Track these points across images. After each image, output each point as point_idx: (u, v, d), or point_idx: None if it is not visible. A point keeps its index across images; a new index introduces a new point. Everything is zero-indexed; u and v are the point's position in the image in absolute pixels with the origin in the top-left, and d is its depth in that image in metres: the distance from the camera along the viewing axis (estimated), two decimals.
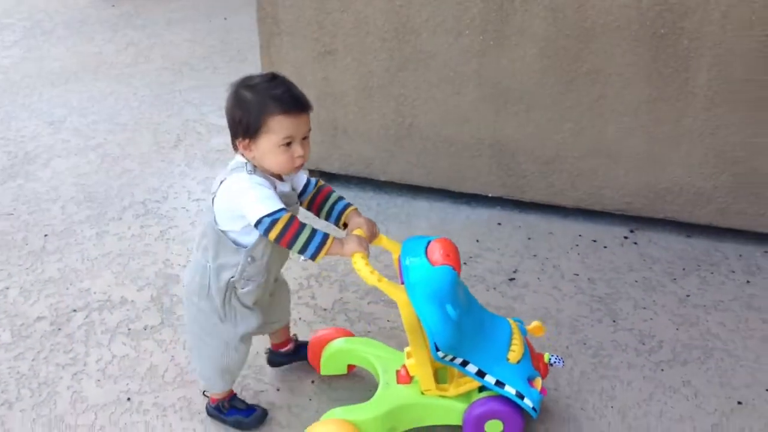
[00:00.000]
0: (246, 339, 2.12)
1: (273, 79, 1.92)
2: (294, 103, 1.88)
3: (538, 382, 2.05)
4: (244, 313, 2.07)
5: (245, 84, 1.93)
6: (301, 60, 3.22)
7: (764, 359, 2.45)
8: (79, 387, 2.35)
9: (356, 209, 2.10)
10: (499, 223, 3.16)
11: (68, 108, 4.35)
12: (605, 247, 3.02)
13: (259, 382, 2.37)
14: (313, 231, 1.90)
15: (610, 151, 3.00)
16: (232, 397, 2.23)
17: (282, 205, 1.87)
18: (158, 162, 3.71)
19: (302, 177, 2.10)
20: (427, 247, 2.00)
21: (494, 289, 2.77)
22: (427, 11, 2.97)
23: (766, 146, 2.83)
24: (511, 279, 2.83)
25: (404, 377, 2.13)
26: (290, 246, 1.89)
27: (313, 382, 2.36)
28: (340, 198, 2.11)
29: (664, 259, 2.95)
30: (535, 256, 2.96)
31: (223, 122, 4.31)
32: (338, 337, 2.35)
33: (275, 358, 2.42)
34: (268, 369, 2.42)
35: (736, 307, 2.69)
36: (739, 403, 2.28)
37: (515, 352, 2.05)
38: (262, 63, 3.29)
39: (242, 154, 1.95)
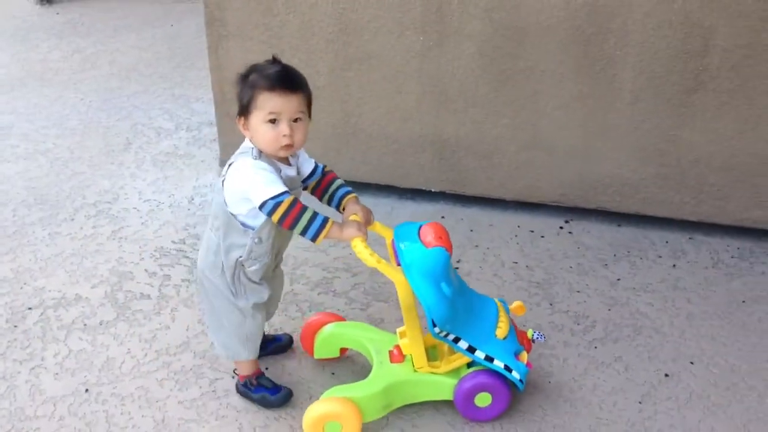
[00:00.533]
0: (259, 308, 2.23)
1: (273, 62, 2.06)
2: (282, 81, 1.99)
3: (524, 356, 2.21)
4: (253, 287, 2.18)
5: (251, 68, 2.06)
6: (249, 62, 3.25)
7: (689, 335, 2.63)
8: (37, 381, 2.41)
9: (356, 197, 2.21)
10: (443, 217, 3.30)
11: (15, 114, 4.38)
12: (542, 236, 3.19)
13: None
14: (314, 214, 2.01)
15: (544, 145, 3.17)
16: (259, 375, 2.34)
17: (285, 189, 1.98)
18: (108, 165, 3.77)
19: (310, 163, 2.22)
20: (419, 231, 2.13)
21: None
22: (369, 13, 3.10)
23: (688, 139, 3.03)
24: (456, 268, 2.97)
25: (397, 356, 2.27)
26: (292, 227, 2.00)
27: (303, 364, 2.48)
28: (342, 185, 2.23)
29: (597, 246, 3.13)
30: (477, 246, 3.11)
31: (171, 125, 4.41)
32: (330, 321, 2.46)
33: None
34: (275, 360, 2.51)
35: (663, 288, 2.88)
36: (666, 375, 2.45)
37: (502, 329, 2.20)
38: (210, 65, 3.39)
39: (246, 134, 2.08)
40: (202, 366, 2.48)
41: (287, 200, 1.96)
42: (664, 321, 2.70)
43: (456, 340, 2.13)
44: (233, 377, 2.40)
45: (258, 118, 2.00)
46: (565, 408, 2.31)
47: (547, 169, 3.22)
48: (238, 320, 2.21)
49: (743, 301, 2.80)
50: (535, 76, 3.05)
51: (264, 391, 2.33)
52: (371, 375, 2.24)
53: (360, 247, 2.03)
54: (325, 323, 2.45)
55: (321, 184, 2.22)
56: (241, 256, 2.11)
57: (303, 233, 2.00)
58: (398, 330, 2.31)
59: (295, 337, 2.56)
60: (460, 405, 2.21)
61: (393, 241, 2.16)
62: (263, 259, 2.13)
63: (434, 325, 2.07)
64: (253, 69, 2.04)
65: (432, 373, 2.23)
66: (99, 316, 2.70)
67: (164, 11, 6.25)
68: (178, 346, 2.56)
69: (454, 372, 2.23)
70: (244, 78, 2.04)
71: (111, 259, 3.02)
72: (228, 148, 3.54)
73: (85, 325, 2.66)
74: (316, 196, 2.25)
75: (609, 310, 2.75)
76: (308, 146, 3.55)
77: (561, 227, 3.25)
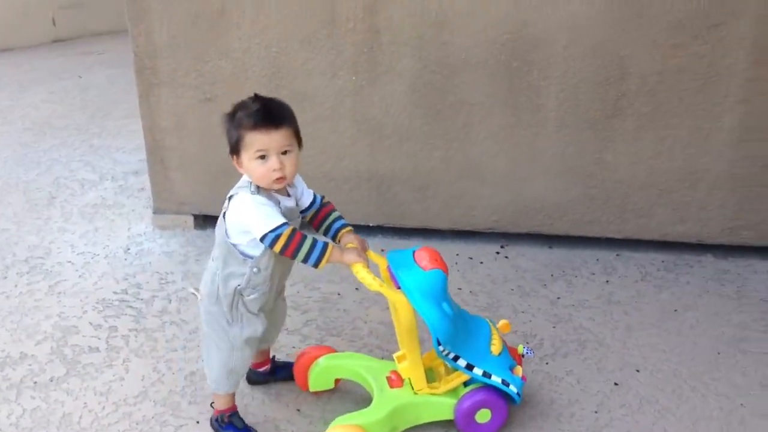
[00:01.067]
0: (250, 342, 2.25)
1: (255, 99, 2.09)
2: (264, 118, 2.03)
3: (519, 370, 2.31)
4: (250, 318, 2.21)
5: (236, 106, 2.10)
6: (182, 108, 3.33)
7: (630, 345, 2.77)
8: None
9: (351, 229, 2.28)
10: (383, 249, 3.37)
11: None
12: (481, 262, 3.30)
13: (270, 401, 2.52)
14: (314, 241, 2.07)
15: (477, 174, 3.30)
16: (232, 413, 2.35)
17: (284, 220, 2.04)
18: (34, 220, 3.67)
19: (309, 194, 2.28)
20: (413, 256, 2.20)
21: (387, 309, 2.97)
22: (302, 56, 3.17)
23: (610, 161, 3.21)
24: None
25: (396, 381, 2.34)
26: (294, 256, 2.05)
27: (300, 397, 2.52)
28: (339, 217, 2.30)
29: (533, 268, 3.26)
30: None
31: (95, 176, 4.34)
32: (322, 354, 2.49)
33: (254, 376, 2.56)
34: (279, 388, 2.55)
35: (600, 303, 3.03)
36: (616, 384, 2.58)
37: (496, 346, 2.30)
38: (142, 113, 3.37)
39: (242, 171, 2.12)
40: (164, 414, 2.45)
41: (287, 232, 2.03)
42: (606, 334, 2.84)
43: (455, 358, 2.23)
44: (211, 406, 2.39)
45: (248, 156, 2.05)
46: (525, 422, 2.40)
47: (480, 197, 3.34)
48: (226, 351, 2.24)
49: (675, 310, 2.98)
50: (465, 109, 3.19)
51: (233, 429, 2.33)
52: (374, 402, 2.30)
53: (363, 273, 2.11)
54: (318, 356, 2.48)
55: (319, 214, 2.29)
56: (239, 285, 2.15)
57: (305, 260, 2.06)
58: (395, 355, 2.37)
59: None
60: (461, 423, 2.30)
61: (388, 267, 2.23)
62: (262, 288, 2.17)
63: (439, 344, 2.16)
64: (238, 107, 2.08)
65: (432, 394, 2.30)
66: (48, 372, 2.63)
67: (71, 63, 6.15)
68: (135, 396, 2.52)
69: (452, 392, 2.31)
70: (231, 117, 2.08)
71: (52, 314, 2.94)
72: (162, 194, 3.53)
73: (35, 383, 2.58)
74: (313, 225, 2.31)
75: (554, 327, 2.88)
76: None
77: (497, 252, 3.38)
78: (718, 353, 2.73)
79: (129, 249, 3.41)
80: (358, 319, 2.92)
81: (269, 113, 2.06)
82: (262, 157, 2.04)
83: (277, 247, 2.04)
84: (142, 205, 3.81)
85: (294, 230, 2.06)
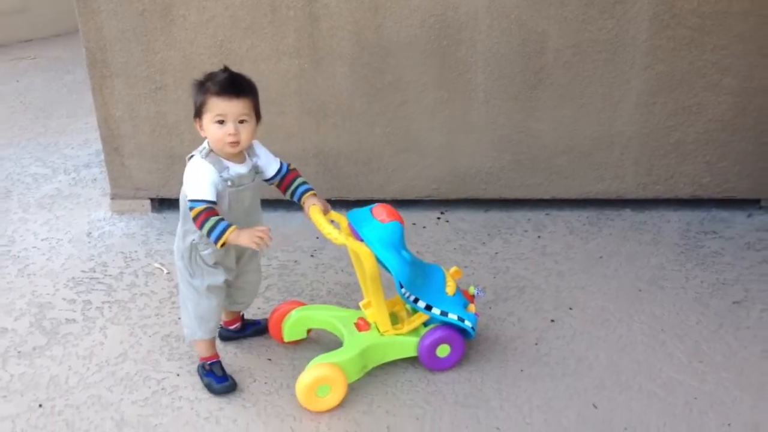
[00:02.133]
0: (213, 290, 2.48)
1: (224, 70, 2.33)
2: (228, 87, 2.26)
3: (472, 308, 2.61)
4: (209, 270, 2.44)
5: (206, 76, 2.33)
6: (134, 98, 3.52)
7: (562, 288, 3.10)
8: None
9: (314, 193, 2.52)
10: (332, 221, 3.62)
11: None
12: (424, 227, 3.59)
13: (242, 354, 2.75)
14: (218, 221, 2.28)
15: (416, 146, 3.58)
16: (213, 361, 2.57)
17: (207, 197, 2.27)
18: None
19: (276, 162, 2.51)
20: (371, 212, 2.48)
21: (342, 270, 3.23)
22: (247, 43, 3.40)
23: (535, 129, 3.54)
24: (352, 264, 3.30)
25: (363, 326, 2.61)
26: (200, 228, 2.29)
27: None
28: (303, 182, 2.54)
29: (472, 230, 3.57)
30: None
31: (47, 171, 4.48)
32: (294, 307, 2.73)
33: (225, 333, 2.78)
34: (250, 342, 2.79)
35: (534, 255, 3.35)
36: (552, 320, 2.90)
37: (450, 288, 2.58)
38: (96, 104, 3.54)
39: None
40: (145, 370, 2.65)
41: (200, 207, 2.27)
42: (541, 280, 3.16)
43: (416, 300, 2.50)
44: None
45: (208, 119, 2.28)
46: (476, 357, 2.69)
47: (420, 168, 3.63)
48: (194, 300, 2.48)
49: (600, 257, 3.32)
50: (402, 86, 3.47)
51: (212, 377, 2.56)
52: (345, 343, 2.55)
53: (324, 225, 2.39)
54: (290, 310, 2.73)
55: (284, 180, 2.53)
56: (194, 240, 2.39)
57: (208, 235, 2.29)
58: (361, 303, 2.65)
59: None
60: (425, 358, 2.58)
61: (349, 224, 2.49)
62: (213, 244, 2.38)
63: (401, 287, 2.43)
64: (207, 77, 2.32)
65: (396, 334, 2.58)
66: (30, 343, 2.80)
67: (6, 69, 6.20)
68: (116, 357, 2.72)
69: (414, 332, 2.60)
70: (200, 85, 2.31)
71: (25, 293, 3.10)
72: (119, 181, 3.70)
73: (18, 352, 2.75)
74: (280, 190, 2.55)
75: (494, 277, 3.18)
76: None
77: (438, 217, 3.67)
78: (639, 290, 3.08)
79: (91, 233, 3.57)
80: (316, 281, 3.17)
81: (233, 83, 2.29)
82: (221, 122, 2.28)
83: (192, 214, 2.29)
84: (98, 194, 3.97)
85: (206, 208, 2.27)
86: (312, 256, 3.35)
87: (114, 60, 3.46)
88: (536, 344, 2.76)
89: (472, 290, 2.70)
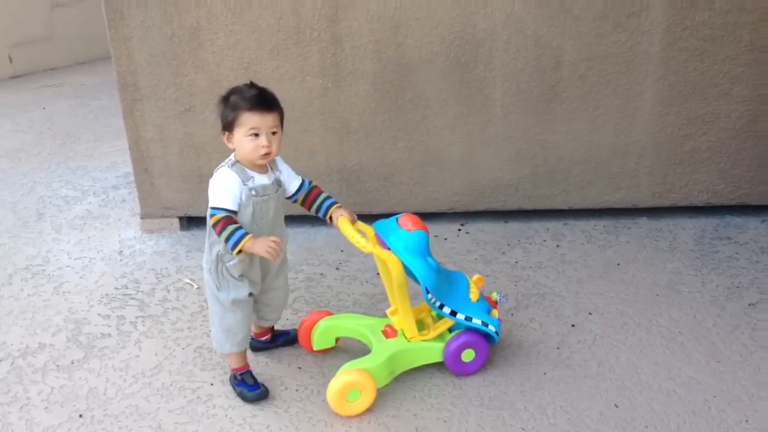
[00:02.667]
0: (238, 304, 2.56)
1: (251, 86, 2.45)
2: (260, 102, 2.40)
3: (495, 313, 2.69)
4: (235, 283, 2.53)
5: (229, 93, 2.45)
6: (163, 119, 3.65)
7: (582, 294, 3.18)
8: (29, 416, 2.59)
9: (340, 204, 2.63)
10: (359, 231, 3.72)
11: None
12: (445, 239, 3.68)
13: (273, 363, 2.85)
14: (235, 229, 2.39)
15: (436, 161, 3.68)
16: (244, 371, 2.67)
17: (226, 205, 2.39)
18: (27, 234, 3.93)
19: (297, 179, 2.63)
20: (398, 222, 2.57)
21: (367, 282, 3.33)
22: (272, 64, 3.53)
23: (552, 141, 3.64)
24: (378, 274, 3.40)
25: (391, 333, 2.70)
26: (219, 234, 2.41)
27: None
28: (328, 197, 2.64)
29: (492, 240, 3.66)
30: None
31: (77, 193, 4.62)
32: (322, 317, 2.83)
33: (257, 344, 2.88)
34: (280, 352, 2.89)
35: (553, 264, 3.44)
36: (573, 326, 2.98)
37: (474, 294, 2.67)
38: (126, 127, 3.68)
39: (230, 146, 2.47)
40: (180, 380, 2.75)
41: (220, 215, 2.40)
42: (561, 287, 3.24)
43: (441, 306, 2.59)
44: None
45: (241, 133, 2.40)
46: (500, 362, 2.77)
47: (440, 182, 3.73)
48: (220, 313, 2.57)
49: (618, 264, 3.40)
50: (422, 102, 3.58)
51: (243, 386, 2.66)
52: (373, 350, 2.65)
53: (353, 234, 2.50)
54: (319, 319, 2.83)
55: (309, 197, 2.64)
56: (219, 251, 2.48)
57: (226, 242, 2.41)
58: (387, 311, 2.74)
59: None
60: (450, 363, 2.67)
61: (376, 234, 2.59)
62: (241, 256, 2.47)
63: (428, 292, 2.52)
64: (233, 92, 2.44)
65: (423, 340, 2.67)
66: (68, 357, 2.91)
67: (33, 96, 6.39)
68: (152, 369, 2.82)
69: (440, 337, 2.69)
70: (225, 99, 2.44)
71: (62, 310, 3.22)
72: (149, 200, 3.82)
73: (57, 366, 2.86)
74: (305, 207, 2.65)
75: (515, 285, 3.27)
76: None
77: (459, 229, 3.77)
78: (657, 295, 3.16)
79: (122, 251, 3.70)
80: (342, 292, 3.27)
81: (264, 98, 2.43)
82: (255, 135, 2.40)
83: (212, 222, 2.42)
84: (127, 214, 4.10)
85: (225, 216, 2.40)
86: (337, 269, 3.46)
87: (144, 83, 3.59)
88: (558, 348, 2.84)
89: (494, 296, 2.79)
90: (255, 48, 3.52)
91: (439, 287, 2.58)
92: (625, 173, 3.69)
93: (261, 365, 2.81)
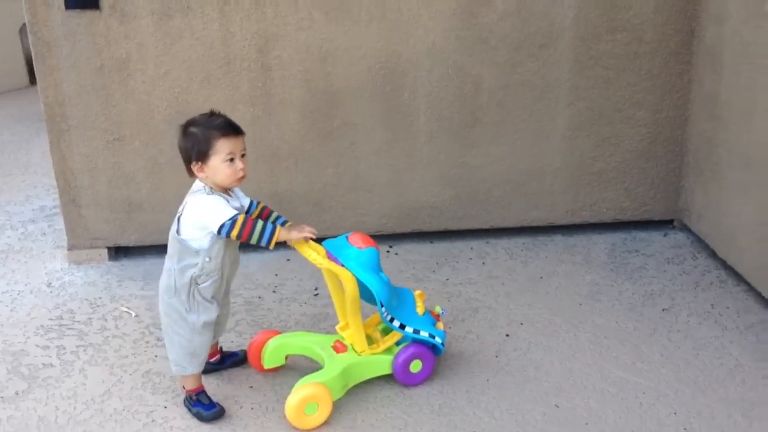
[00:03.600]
0: (207, 326, 2.62)
1: (211, 114, 2.53)
2: (231, 128, 2.50)
3: (440, 325, 2.84)
4: (205, 305, 2.59)
5: (190, 123, 2.52)
6: (92, 149, 3.63)
7: (512, 306, 3.37)
8: None
9: (292, 224, 2.73)
10: (288, 259, 3.81)
11: None
12: None
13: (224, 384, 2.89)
14: (264, 224, 2.53)
15: (364, 185, 3.82)
16: (200, 392, 2.69)
17: (236, 212, 2.48)
18: None
19: (247, 199, 2.71)
20: (348, 240, 2.69)
21: (305, 303, 3.42)
22: (203, 94, 3.59)
23: (473, 164, 3.85)
24: (315, 294, 3.49)
25: (341, 348, 2.79)
26: (249, 238, 2.49)
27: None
28: (278, 216, 2.75)
29: (421, 260, 3.82)
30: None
31: None
32: (271, 336, 2.89)
33: (206, 366, 2.82)
34: (230, 372, 2.94)
35: (482, 279, 3.62)
36: (507, 335, 3.16)
37: (420, 308, 2.81)
38: (53, 157, 3.64)
39: (197, 177, 2.52)
40: (132, 405, 2.75)
41: (240, 218, 2.47)
42: (491, 301, 3.43)
43: (391, 319, 2.72)
44: (183, 388, 2.75)
45: (218, 159, 2.48)
46: (445, 372, 2.91)
47: (368, 205, 3.87)
48: (187, 336, 2.60)
49: (541, 278, 3.62)
50: (350, 129, 3.72)
51: (200, 406, 2.69)
52: (326, 365, 2.72)
53: (308, 251, 2.60)
54: (268, 339, 2.89)
55: (261, 215, 2.73)
56: (194, 273, 2.53)
57: (259, 240, 2.49)
58: (337, 327, 2.86)
59: None
60: (399, 374, 2.79)
61: (327, 252, 2.69)
62: (213, 275, 2.56)
63: (382, 306, 2.64)
64: (197, 122, 2.52)
65: (372, 353, 2.78)
66: (11, 388, 2.85)
67: None
68: (101, 395, 2.81)
69: (388, 350, 2.81)
70: (190, 131, 2.50)
71: None
72: (75, 231, 3.78)
73: (1, 397, 2.80)
74: None
75: (449, 301, 3.43)
76: (155, 219, 3.89)
77: (387, 251, 3.91)
78: (580, 304, 3.39)
79: (51, 283, 3.64)
80: (282, 314, 3.34)
81: (232, 124, 2.53)
82: (231, 159, 2.49)
83: (234, 233, 2.47)
84: (51, 246, 4.03)
85: (246, 217, 2.51)
86: (274, 291, 3.53)
87: (72, 114, 3.57)
88: (496, 356, 3.01)
89: (437, 310, 2.94)
90: (185, 78, 3.58)
91: (390, 301, 2.72)
92: (541, 193, 3.93)
93: (212, 386, 2.83)
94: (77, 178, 3.69)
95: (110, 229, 3.80)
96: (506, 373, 2.91)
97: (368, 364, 2.80)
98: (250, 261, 3.79)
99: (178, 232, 2.55)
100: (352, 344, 2.81)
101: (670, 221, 4.11)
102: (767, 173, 3.16)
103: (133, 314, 3.35)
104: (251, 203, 2.74)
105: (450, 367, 2.94)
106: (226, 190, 2.59)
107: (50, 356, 3.06)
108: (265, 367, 2.89)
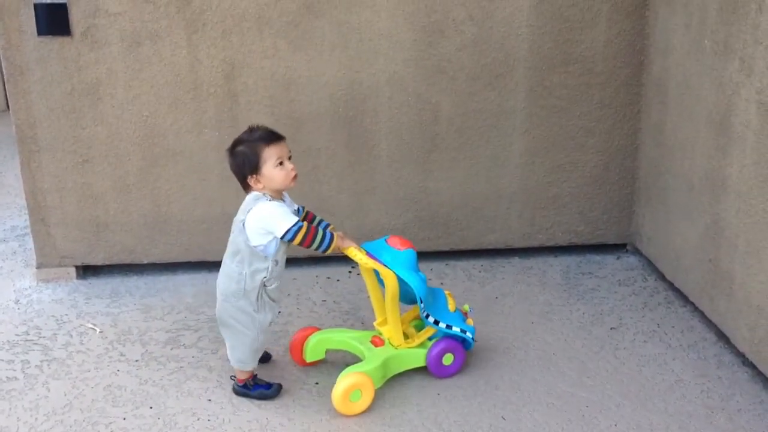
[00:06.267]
0: (271, 325, 2.92)
1: (251, 130, 2.78)
2: (273, 135, 2.77)
3: (470, 321, 3.07)
4: (271, 304, 2.88)
5: (235, 144, 2.78)
6: (61, 170, 3.74)
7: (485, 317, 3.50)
8: None
9: (334, 227, 2.99)
10: None
11: None
12: (338, 280, 3.93)
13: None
14: (324, 233, 2.81)
15: (326, 208, 3.94)
16: (254, 377, 2.96)
17: (297, 218, 2.72)
18: None
19: (294, 204, 2.92)
20: (387, 242, 2.92)
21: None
22: (171, 117, 3.72)
23: (433, 188, 3.99)
24: (279, 312, 3.59)
25: (379, 342, 3.05)
26: (311, 244, 2.77)
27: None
28: (322, 220, 3.02)
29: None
30: (289, 295, 3.76)
31: None
32: (312, 332, 3.12)
33: None
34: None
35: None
36: None
37: (451, 305, 3.04)
38: (23, 178, 3.74)
39: (254, 189, 2.78)
40: (93, 417, 2.84)
41: (303, 226, 2.73)
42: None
43: (427, 315, 2.93)
44: (232, 378, 3.00)
45: (270, 166, 2.72)
46: (396, 386, 3.02)
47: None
48: (253, 335, 2.86)
49: (496, 298, 3.75)
50: (313, 153, 3.85)
51: (261, 388, 2.96)
52: (367, 358, 2.97)
53: (359, 255, 2.85)
54: (310, 334, 3.13)
55: (306, 218, 2.97)
56: (265, 277, 2.78)
57: (318, 247, 2.78)
58: (375, 323, 3.10)
59: None
60: (433, 366, 3.04)
61: (368, 253, 2.90)
62: (279, 278, 2.87)
63: (421, 302, 2.87)
64: (242, 141, 2.78)
65: (408, 347, 3.02)
66: None
67: None
68: (63, 407, 2.89)
69: (422, 345, 3.06)
70: (238, 150, 2.76)
71: None
72: (45, 250, 3.87)
73: None
74: None
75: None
76: (122, 239, 3.98)
77: (349, 271, 4.02)
78: (532, 323, 3.52)
79: (19, 300, 3.72)
80: None
81: (272, 131, 2.80)
82: (281, 163, 2.72)
83: (298, 239, 2.73)
84: (20, 265, 4.11)
85: (308, 225, 2.76)
86: None
87: (42, 136, 3.69)
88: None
89: (466, 308, 3.17)
90: (154, 102, 3.70)
91: (427, 299, 2.94)
92: (498, 217, 4.08)
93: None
94: (47, 198, 3.79)
95: (78, 248, 3.90)
96: (457, 387, 3.02)
97: (405, 357, 3.03)
98: (215, 279, 3.87)
99: (248, 239, 2.75)
100: (389, 339, 3.03)
101: (623, 245, 4.26)
102: (707, 199, 3.32)
103: (98, 330, 3.44)
104: (299, 209, 2.97)
105: (402, 381, 3.05)
106: (280, 196, 2.83)
107: (14, 370, 3.14)
108: (307, 360, 3.12)
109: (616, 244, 4.25)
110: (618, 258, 4.20)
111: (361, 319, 3.54)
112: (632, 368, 3.16)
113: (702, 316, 3.50)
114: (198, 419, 2.83)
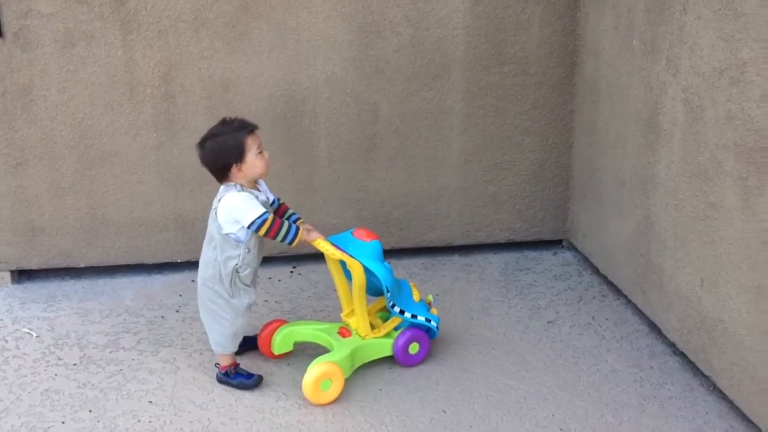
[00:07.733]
0: (248, 309, 3.01)
1: (225, 122, 2.88)
2: (252, 125, 2.90)
3: (434, 311, 3.16)
4: (246, 289, 2.97)
5: (208, 137, 2.85)
6: None
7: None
8: None
9: (304, 220, 3.11)
10: (193, 280, 3.87)
11: None
12: (279, 280, 3.94)
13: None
14: (290, 225, 2.90)
15: None
16: (236, 365, 3.04)
17: (264, 210, 2.76)
18: None
19: (271, 194, 2.98)
20: (353, 234, 2.99)
21: None
22: (106, 119, 3.68)
23: (373, 187, 4.02)
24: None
25: (346, 333, 3.13)
26: (276, 236, 2.86)
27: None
28: (293, 213, 3.13)
29: (323, 279, 3.93)
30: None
31: None
32: (281, 324, 3.18)
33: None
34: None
35: None
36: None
37: (416, 295, 3.11)
38: None
39: (233, 180, 2.86)
40: (30, 422, 2.80)
41: (269, 218, 2.78)
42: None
43: (393, 305, 3.00)
44: (216, 366, 3.08)
45: (252, 155, 2.84)
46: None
47: None
48: (231, 319, 2.96)
49: (437, 295, 3.79)
50: None
51: (241, 377, 3.00)
52: (336, 348, 3.02)
53: (326, 246, 2.90)
54: (278, 326, 3.18)
55: (279, 210, 3.07)
56: (236, 264, 2.87)
57: (283, 239, 2.86)
58: (342, 315, 3.19)
59: None
60: (399, 356, 3.13)
61: (335, 246, 2.96)
62: (252, 264, 2.94)
63: (388, 291, 2.95)
64: (215, 134, 2.85)
65: (375, 337, 3.12)
66: None
67: None
68: (0, 413, 2.84)
69: (388, 335, 3.16)
70: (216, 143, 2.83)
71: None
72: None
73: None
74: None
75: None
76: (58, 242, 3.91)
77: (291, 271, 4.03)
78: (472, 318, 3.58)
79: None
80: (185, 333, 3.42)
81: (250, 122, 2.87)
82: (260, 152, 2.81)
83: (262, 231, 2.83)
84: None
85: (274, 217, 2.81)
86: (177, 311, 3.61)
87: None
88: (390, 368, 3.16)
89: (430, 298, 3.26)
90: (89, 104, 3.66)
91: (393, 289, 2.99)
92: (438, 215, 4.13)
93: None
94: None
95: (13, 253, 3.82)
96: (398, 383, 3.06)
97: (372, 347, 3.10)
98: (154, 282, 3.87)
99: (220, 227, 2.86)
100: (356, 329, 3.09)
101: (560, 241, 4.36)
102: (637, 195, 3.43)
103: (35, 335, 3.38)
104: (274, 200, 3.04)
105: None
106: (254, 186, 2.89)
107: None
108: (275, 353, 3.14)
109: (552, 241, 4.35)
110: (554, 254, 4.30)
111: (302, 317, 3.55)
112: (568, 360, 3.24)
113: (635, 308, 3.61)
114: (139, 421, 2.81)
